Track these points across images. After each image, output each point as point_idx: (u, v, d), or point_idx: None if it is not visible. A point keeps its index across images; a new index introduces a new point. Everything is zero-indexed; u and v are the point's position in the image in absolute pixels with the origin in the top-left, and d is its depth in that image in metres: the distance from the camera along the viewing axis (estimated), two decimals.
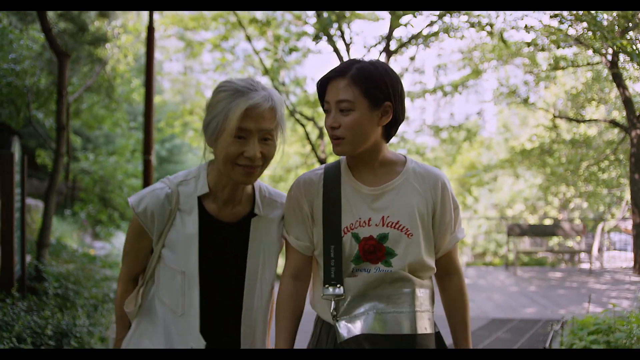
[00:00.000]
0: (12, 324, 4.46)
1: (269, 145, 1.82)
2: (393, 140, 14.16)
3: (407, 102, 13.42)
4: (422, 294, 1.81)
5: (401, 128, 16.83)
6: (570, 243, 17.51)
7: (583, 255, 13.78)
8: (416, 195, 1.85)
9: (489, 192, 20.63)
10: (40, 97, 11.95)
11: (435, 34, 10.04)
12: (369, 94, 1.75)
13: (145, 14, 12.75)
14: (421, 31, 10.20)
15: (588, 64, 11.23)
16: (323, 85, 1.83)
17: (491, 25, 8.83)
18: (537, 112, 15.63)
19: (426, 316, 1.78)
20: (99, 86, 11.57)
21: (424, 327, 1.76)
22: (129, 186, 13.88)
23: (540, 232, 12.21)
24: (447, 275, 1.99)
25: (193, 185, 1.93)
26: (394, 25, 8.90)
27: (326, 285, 1.82)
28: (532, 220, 19.11)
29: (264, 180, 14.86)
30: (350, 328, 1.74)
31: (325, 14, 9.21)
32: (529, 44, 9.57)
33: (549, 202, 20.10)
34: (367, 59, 1.83)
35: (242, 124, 1.75)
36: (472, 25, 9.07)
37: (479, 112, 14.14)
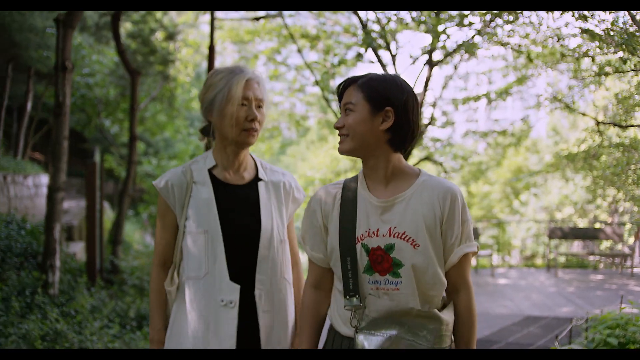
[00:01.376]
0: (101, 308, 5.27)
1: (261, 111, 2.22)
2: (438, 145, 14.62)
3: (451, 108, 13.86)
4: (446, 332, 1.84)
5: (446, 132, 17.21)
6: (619, 246, 17.48)
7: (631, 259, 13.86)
8: (425, 206, 1.86)
9: (534, 196, 20.70)
10: (109, 107, 13.02)
11: (474, 45, 10.42)
12: (371, 98, 1.85)
13: (204, 29, 13.66)
14: (466, 41, 10.62)
15: (633, 69, 11.41)
16: (341, 93, 1.96)
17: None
18: (584, 117, 15.75)
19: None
20: (162, 96, 12.48)
21: None
22: None
23: (581, 235, 12.41)
24: (455, 291, 1.94)
25: (202, 162, 2.27)
26: (434, 41, 9.39)
27: (347, 297, 1.86)
28: (582, 223, 19.11)
29: (315, 183, 15.54)
30: (365, 345, 1.79)
31: (371, 23, 9.75)
32: (573, 50, 9.85)
33: (598, 205, 20.04)
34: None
35: (244, 93, 2.15)
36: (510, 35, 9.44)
37: (523, 118, 14.39)
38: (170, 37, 9.18)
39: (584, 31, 9.23)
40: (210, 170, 2.24)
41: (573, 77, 13.55)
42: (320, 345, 2.06)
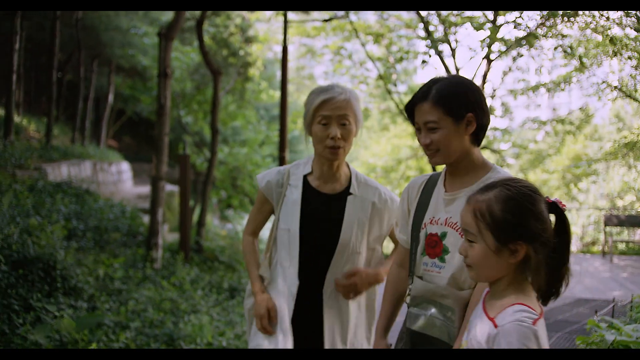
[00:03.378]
0: (199, 281, 6.21)
1: (346, 128, 2.32)
2: (498, 134, 15.00)
3: (510, 99, 14.23)
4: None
5: (505, 123, 17.47)
6: None
7: None
8: None
9: (593, 183, 20.69)
10: (185, 99, 14.06)
11: (534, 35, 10.76)
12: (452, 112, 1.88)
13: (273, 24, 14.51)
14: (525, 35, 10.99)
15: None
16: (410, 109, 1.99)
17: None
18: None
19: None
20: (233, 89, 13.35)
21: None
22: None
23: (638, 222, 12.65)
24: None
25: (301, 168, 2.48)
26: (492, 37, 9.85)
27: (409, 276, 2.07)
28: None
29: (377, 170, 16.24)
30: (413, 321, 1.98)
31: (431, 16, 10.26)
32: (635, 39, 10.07)
33: None
34: (445, 74, 2.14)
35: (322, 112, 2.30)
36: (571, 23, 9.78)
37: (581, 108, 14.59)
38: (249, 40, 10.06)
39: None
40: (305, 176, 2.47)
41: (637, 65, 13.68)
42: (403, 315, 2.19)
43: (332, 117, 2.28)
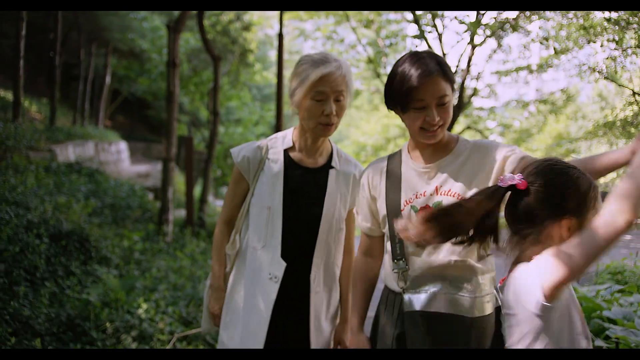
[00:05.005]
0: (207, 252, 6.87)
1: (341, 104, 2.20)
2: (483, 113, 15.68)
3: (495, 79, 14.86)
4: (483, 280, 1.88)
5: (491, 103, 18.02)
6: None
7: None
8: (473, 162, 1.93)
9: None
10: (182, 80, 14.60)
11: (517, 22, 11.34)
12: (453, 83, 1.90)
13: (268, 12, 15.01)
14: (508, 20, 11.58)
15: None
16: (414, 87, 1.83)
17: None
18: (621, 87, 16.40)
19: (486, 299, 1.86)
20: (229, 72, 13.88)
21: (483, 309, 1.84)
22: None
23: None
24: None
25: (280, 141, 2.36)
26: (474, 30, 10.46)
27: (395, 260, 1.96)
28: None
29: (367, 149, 16.89)
30: (414, 302, 1.87)
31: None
32: (608, 19, 10.62)
33: None
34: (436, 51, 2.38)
35: (319, 88, 2.14)
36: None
37: (562, 89, 15.25)
38: (246, 28, 10.59)
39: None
40: (286, 150, 2.33)
41: (615, 48, 14.25)
42: (375, 303, 2.17)
43: (328, 93, 2.15)
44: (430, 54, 1.89)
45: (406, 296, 1.87)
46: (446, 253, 1.88)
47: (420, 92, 1.82)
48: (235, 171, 2.33)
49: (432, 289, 1.85)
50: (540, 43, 10.66)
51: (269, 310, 2.17)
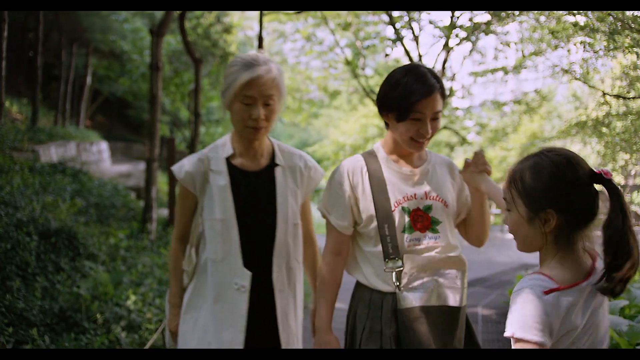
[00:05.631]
0: None
1: (271, 108, 2.16)
2: (459, 113, 16.06)
3: (471, 79, 15.25)
4: (466, 272, 2.05)
5: (467, 103, 18.42)
6: (632, 208, 18.67)
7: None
8: (445, 174, 2.15)
9: None
10: (164, 82, 14.75)
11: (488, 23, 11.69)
12: (445, 97, 2.04)
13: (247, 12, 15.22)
14: (482, 22, 11.92)
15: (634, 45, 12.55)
16: (417, 101, 1.94)
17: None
18: (592, 89, 16.88)
19: (465, 292, 2.04)
20: (210, 73, 14.06)
21: (464, 301, 2.03)
22: None
23: None
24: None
25: (220, 150, 2.28)
26: (449, 33, 10.80)
27: (386, 260, 2.00)
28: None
29: (346, 149, 17.18)
30: (411, 299, 1.95)
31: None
32: (575, 24, 11.03)
33: (613, 168, 21.13)
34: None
35: (247, 92, 2.10)
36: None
37: (536, 90, 15.70)
38: (227, 30, 10.80)
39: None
40: (227, 159, 2.27)
41: (586, 50, 14.72)
42: (345, 305, 2.20)
43: (256, 97, 2.12)
44: (429, 69, 2.00)
45: (403, 294, 1.95)
46: (442, 249, 2.02)
47: (421, 107, 1.93)
48: (181, 187, 2.29)
49: (428, 284, 1.96)
50: (515, 44, 11.01)
51: (243, 320, 2.16)
